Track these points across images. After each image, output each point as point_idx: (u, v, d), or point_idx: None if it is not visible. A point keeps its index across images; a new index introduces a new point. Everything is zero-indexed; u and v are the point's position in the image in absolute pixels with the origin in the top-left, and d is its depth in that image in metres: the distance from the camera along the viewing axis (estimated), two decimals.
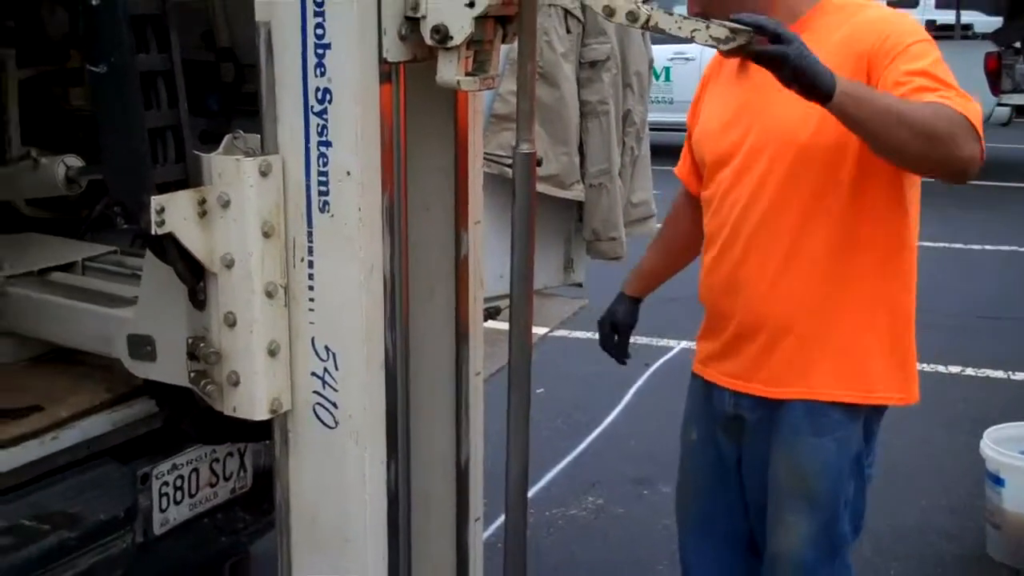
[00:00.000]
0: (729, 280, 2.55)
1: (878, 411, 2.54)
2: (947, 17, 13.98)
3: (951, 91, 2.21)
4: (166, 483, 2.62)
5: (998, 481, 3.96)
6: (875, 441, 2.56)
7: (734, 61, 2.53)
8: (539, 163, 2.99)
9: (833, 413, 2.46)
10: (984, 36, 12.56)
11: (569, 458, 4.59)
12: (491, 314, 3.04)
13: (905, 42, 2.32)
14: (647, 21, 2.34)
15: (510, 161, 2.12)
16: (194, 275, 2.04)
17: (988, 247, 8.61)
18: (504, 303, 3.04)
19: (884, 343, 2.47)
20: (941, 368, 5.97)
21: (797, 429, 2.48)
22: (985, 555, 4.04)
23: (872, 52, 2.33)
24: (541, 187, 3.56)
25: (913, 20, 2.48)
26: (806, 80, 2.08)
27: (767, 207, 2.47)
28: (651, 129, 4.37)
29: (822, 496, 2.49)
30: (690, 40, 2.42)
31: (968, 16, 13.52)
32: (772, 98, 2.33)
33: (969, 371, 5.93)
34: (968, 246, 8.63)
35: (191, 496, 2.69)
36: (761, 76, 2.21)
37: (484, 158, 2.31)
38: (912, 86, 2.22)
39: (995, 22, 12.85)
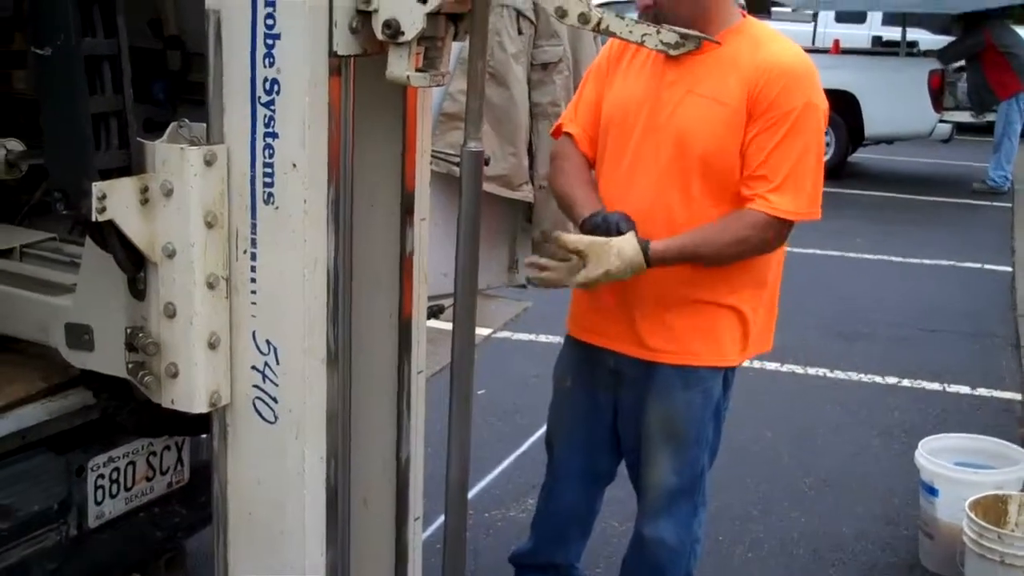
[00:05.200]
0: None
1: (732, 368, 3.00)
2: (893, 34, 14.16)
3: (784, 193, 2.72)
4: (102, 476, 2.58)
5: (932, 491, 4.01)
6: (731, 389, 3.03)
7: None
8: (487, 162, 2.99)
9: (701, 371, 2.90)
10: (926, 53, 12.75)
11: (509, 460, 4.58)
12: (434, 313, 3.03)
13: (786, 108, 2.70)
14: (599, 24, 2.36)
15: (458, 160, 2.12)
16: (134, 264, 2.01)
17: (926, 261, 8.72)
18: (448, 302, 3.02)
19: (738, 320, 2.90)
20: (878, 379, 6.04)
21: (670, 385, 2.90)
22: (918, 564, 4.08)
23: (755, 97, 2.70)
24: (489, 187, 3.55)
25: (808, 73, 2.77)
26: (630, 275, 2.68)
27: (655, 191, 2.80)
28: None
29: (688, 437, 2.95)
30: (641, 44, 2.43)
31: (914, 34, 13.70)
32: (683, 101, 2.76)
33: (905, 382, 6.00)
34: (907, 259, 8.74)
35: (127, 489, 2.65)
36: (680, 76, 2.76)
37: (432, 156, 2.31)
38: (758, 186, 2.73)
39: (940, 40, 13.04)
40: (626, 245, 2.67)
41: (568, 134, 2.99)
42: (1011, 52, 11.47)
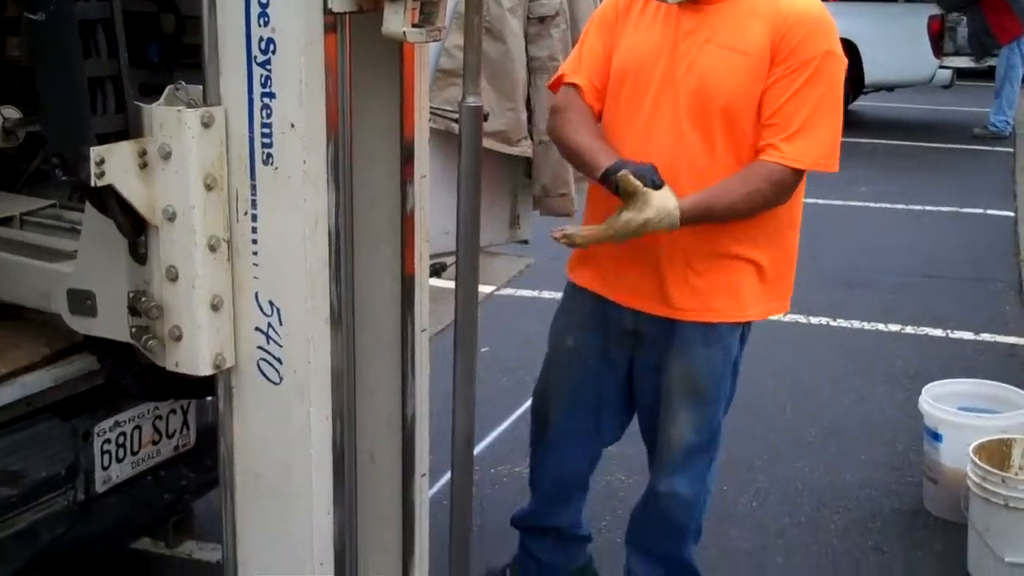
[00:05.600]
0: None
1: (749, 323, 3.00)
2: None
3: (797, 142, 2.70)
4: (108, 440, 2.59)
5: (936, 436, 4.03)
6: (747, 342, 3.04)
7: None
8: (485, 118, 2.97)
9: (721, 327, 2.89)
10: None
11: (514, 416, 4.60)
12: (436, 270, 3.03)
13: (806, 56, 2.70)
14: None
15: (456, 116, 2.11)
16: (135, 228, 2.01)
17: (929, 207, 8.71)
18: (450, 260, 3.01)
19: (756, 273, 2.88)
20: (881, 326, 6.05)
21: (691, 342, 2.89)
22: (923, 509, 4.11)
23: (778, 44, 2.69)
24: (487, 143, 3.53)
25: (828, 22, 2.78)
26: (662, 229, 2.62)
27: (676, 144, 2.76)
28: None
29: (708, 393, 2.94)
30: None
31: None
32: (702, 51, 2.73)
33: (909, 329, 6.01)
34: (910, 207, 8.73)
35: (134, 454, 2.66)
36: (697, 25, 2.73)
37: (430, 113, 2.29)
38: (771, 134, 2.71)
39: None
40: (668, 198, 2.62)
41: (574, 85, 2.91)
42: None
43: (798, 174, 2.74)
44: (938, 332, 5.97)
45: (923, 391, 4.16)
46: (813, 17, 2.73)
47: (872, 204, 8.81)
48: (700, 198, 2.68)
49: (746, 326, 2.98)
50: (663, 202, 2.60)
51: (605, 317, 3.00)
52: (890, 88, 12.58)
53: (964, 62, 12.49)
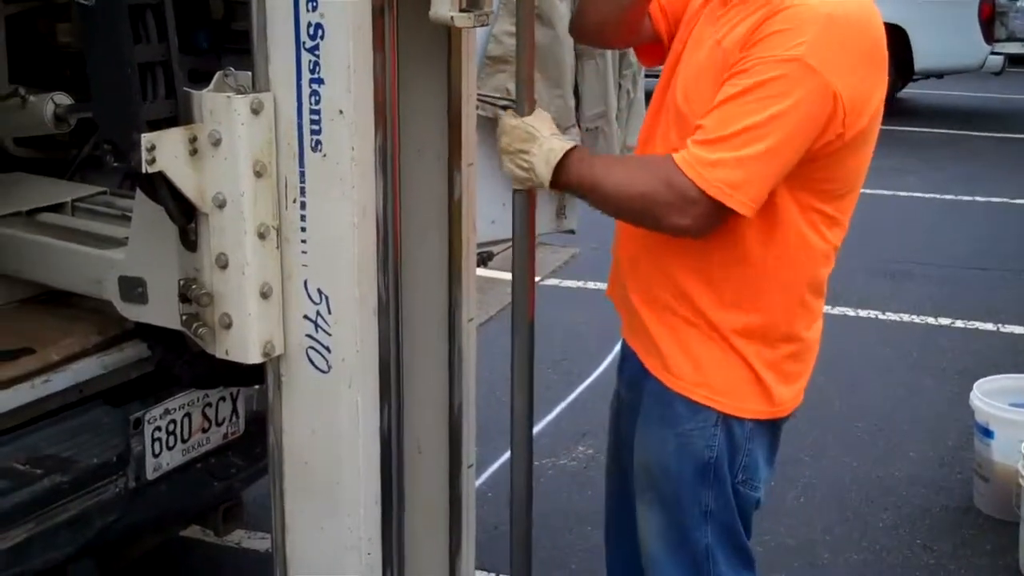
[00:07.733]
0: (627, 230, 2.31)
1: (741, 422, 2.19)
2: None
3: (705, 149, 1.98)
4: (158, 428, 2.60)
5: (987, 433, 3.97)
6: (755, 457, 2.21)
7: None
8: None
9: (677, 405, 2.20)
10: None
11: (559, 408, 4.58)
12: (483, 260, 3.01)
13: (762, 53, 1.99)
14: None
15: (504, 103, 2.09)
16: (185, 215, 2.01)
17: (979, 198, 8.59)
18: (496, 249, 3.00)
19: (751, 348, 2.17)
20: (931, 320, 5.97)
21: (648, 414, 2.28)
22: (973, 507, 4.05)
23: (751, 34, 2.02)
24: None
25: (828, 27, 2.01)
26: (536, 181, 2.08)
27: (645, 147, 2.29)
28: (646, 75, 4.33)
29: (666, 494, 2.25)
30: None
31: None
32: (697, 49, 2.18)
33: (959, 323, 5.93)
34: (959, 197, 8.62)
35: (184, 441, 2.67)
36: (712, 27, 2.15)
37: (478, 100, 2.28)
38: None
39: None
40: (541, 123, 2.08)
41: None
42: None
43: (699, 194, 1.97)
44: (989, 326, 5.89)
45: (974, 386, 4.10)
46: (804, 15, 1.98)
47: (921, 194, 8.70)
48: (595, 165, 2.08)
49: (737, 424, 2.18)
50: (528, 126, 2.07)
51: (621, 365, 2.45)
52: (940, 75, 12.41)
53: (1016, 48, 12.30)
